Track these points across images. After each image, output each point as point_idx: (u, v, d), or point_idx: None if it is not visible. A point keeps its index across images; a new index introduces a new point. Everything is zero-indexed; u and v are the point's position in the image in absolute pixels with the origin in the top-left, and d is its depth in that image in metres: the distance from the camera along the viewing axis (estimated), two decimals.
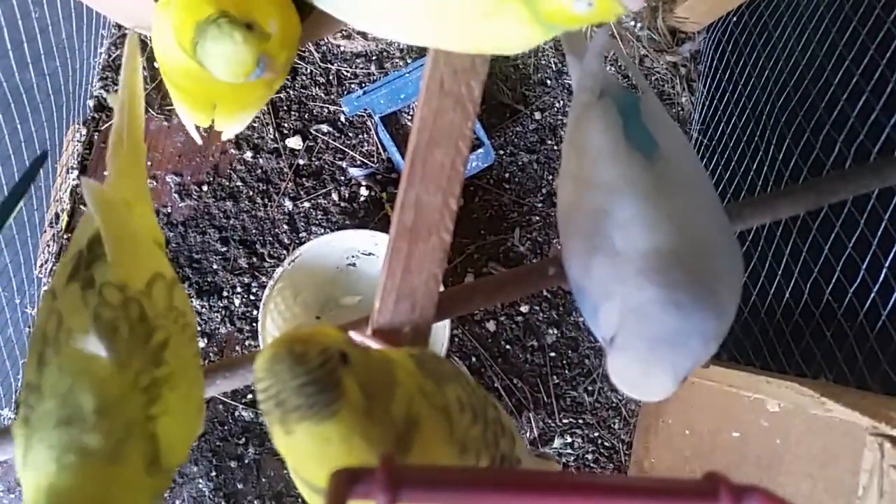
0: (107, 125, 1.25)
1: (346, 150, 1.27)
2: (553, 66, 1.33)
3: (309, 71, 1.28)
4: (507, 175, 1.30)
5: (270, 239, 1.25)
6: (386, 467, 0.27)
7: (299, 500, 1.19)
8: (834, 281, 0.91)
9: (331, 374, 0.44)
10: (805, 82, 1.04)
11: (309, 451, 0.45)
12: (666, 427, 1.20)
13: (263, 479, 1.20)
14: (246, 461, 1.20)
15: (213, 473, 1.19)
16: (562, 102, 1.32)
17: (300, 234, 1.25)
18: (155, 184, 1.24)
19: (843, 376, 0.87)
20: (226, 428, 1.21)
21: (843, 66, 0.96)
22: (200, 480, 1.19)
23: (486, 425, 0.59)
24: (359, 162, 1.27)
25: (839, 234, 0.91)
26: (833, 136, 0.94)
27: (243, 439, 1.20)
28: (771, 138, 1.10)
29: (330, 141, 1.27)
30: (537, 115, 1.31)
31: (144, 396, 0.57)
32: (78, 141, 1.22)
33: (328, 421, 0.43)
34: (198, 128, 1.00)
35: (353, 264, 1.22)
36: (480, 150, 1.26)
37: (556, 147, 1.32)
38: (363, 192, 1.27)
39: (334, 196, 1.26)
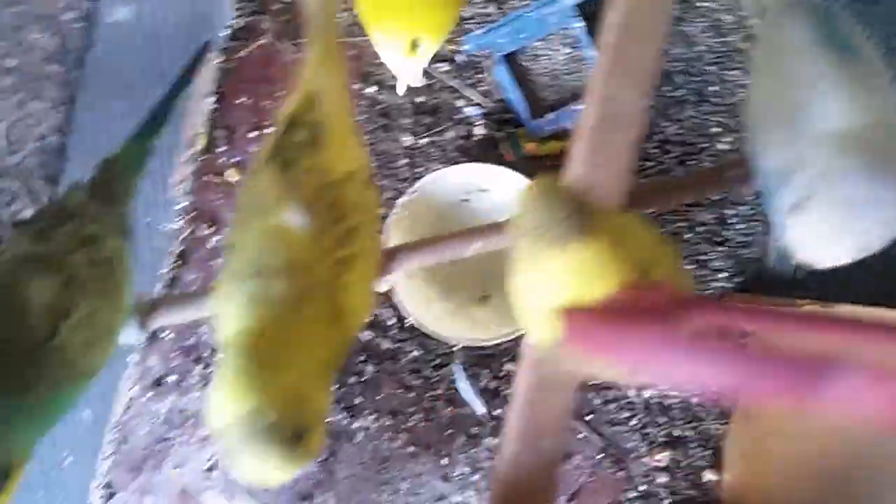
0: (240, 52, 1.32)
1: (463, 89, 1.30)
2: None
3: None
4: None
5: (387, 172, 1.29)
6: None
7: (412, 416, 1.24)
8: None
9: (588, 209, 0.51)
10: None
11: (574, 269, 0.50)
12: None
13: (379, 397, 1.25)
14: (364, 378, 1.26)
15: (335, 387, 1.25)
16: None
17: (416, 170, 1.29)
18: None
19: None
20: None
21: None
22: None
23: None
24: (475, 101, 1.31)
25: None
26: None
27: (363, 356, 1.26)
28: None
29: (448, 79, 1.31)
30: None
31: (333, 269, 0.62)
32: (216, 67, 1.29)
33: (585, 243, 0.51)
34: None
35: (468, 200, 1.26)
36: None
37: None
38: (477, 130, 1.30)
39: (450, 133, 1.30)
